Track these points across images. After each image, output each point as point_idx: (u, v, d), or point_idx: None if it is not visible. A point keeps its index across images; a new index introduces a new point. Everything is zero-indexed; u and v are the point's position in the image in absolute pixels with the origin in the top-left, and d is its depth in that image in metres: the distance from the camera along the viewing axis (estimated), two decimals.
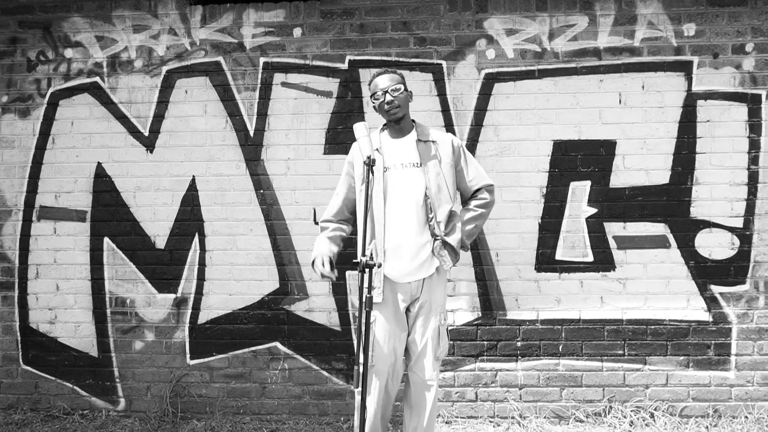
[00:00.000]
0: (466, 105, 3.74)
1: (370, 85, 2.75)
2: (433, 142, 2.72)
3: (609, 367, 3.67)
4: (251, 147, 3.83)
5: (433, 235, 2.66)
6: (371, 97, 2.72)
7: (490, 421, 3.68)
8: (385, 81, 2.68)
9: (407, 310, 2.71)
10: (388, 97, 2.65)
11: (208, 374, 3.82)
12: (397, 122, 2.71)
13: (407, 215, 2.63)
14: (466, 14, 3.75)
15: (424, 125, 2.82)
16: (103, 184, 3.88)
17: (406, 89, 2.71)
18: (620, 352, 3.66)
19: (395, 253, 2.63)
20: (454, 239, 2.68)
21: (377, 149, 2.67)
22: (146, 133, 3.87)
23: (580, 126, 3.70)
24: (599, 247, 3.69)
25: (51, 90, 3.90)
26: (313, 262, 2.66)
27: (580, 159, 3.70)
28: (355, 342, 3.63)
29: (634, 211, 3.68)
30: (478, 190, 2.80)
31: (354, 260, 2.44)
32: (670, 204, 3.66)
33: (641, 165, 3.68)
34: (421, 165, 2.67)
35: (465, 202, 2.85)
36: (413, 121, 2.79)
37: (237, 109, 3.82)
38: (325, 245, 2.73)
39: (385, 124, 2.80)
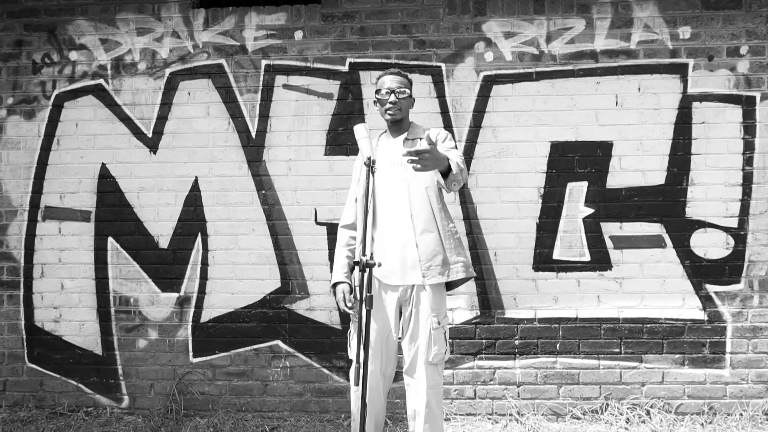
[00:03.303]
0: (465, 107, 3.79)
1: (377, 80, 2.76)
2: (420, 138, 2.72)
3: (606, 365, 3.72)
4: (253, 148, 3.88)
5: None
6: (375, 93, 2.73)
7: (489, 418, 3.73)
8: (394, 82, 2.70)
9: (400, 310, 2.70)
10: (393, 98, 2.67)
11: (211, 372, 3.87)
12: (394, 123, 2.75)
13: (392, 213, 2.65)
14: (465, 17, 3.80)
15: (421, 126, 2.83)
16: (107, 184, 3.93)
17: (410, 95, 2.74)
18: (617, 350, 3.71)
19: (380, 251, 2.64)
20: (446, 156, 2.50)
21: None
22: (150, 135, 3.92)
23: (577, 127, 3.75)
24: (596, 247, 3.74)
25: (56, 92, 3.95)
26: (334, 286, 2.73)
27: (577, 160, 3.75)
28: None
29: (631, 211, 3.73)
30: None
31: (355, 260, 2.49)
32: (665, 204, 3.71)
33: (637, 166, 3.72)
34: (404, 163, 2.64)
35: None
36: (411, 122, 2.82)
37: (239, 110, 3.88)
38: (342, 269, 2.76)
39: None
